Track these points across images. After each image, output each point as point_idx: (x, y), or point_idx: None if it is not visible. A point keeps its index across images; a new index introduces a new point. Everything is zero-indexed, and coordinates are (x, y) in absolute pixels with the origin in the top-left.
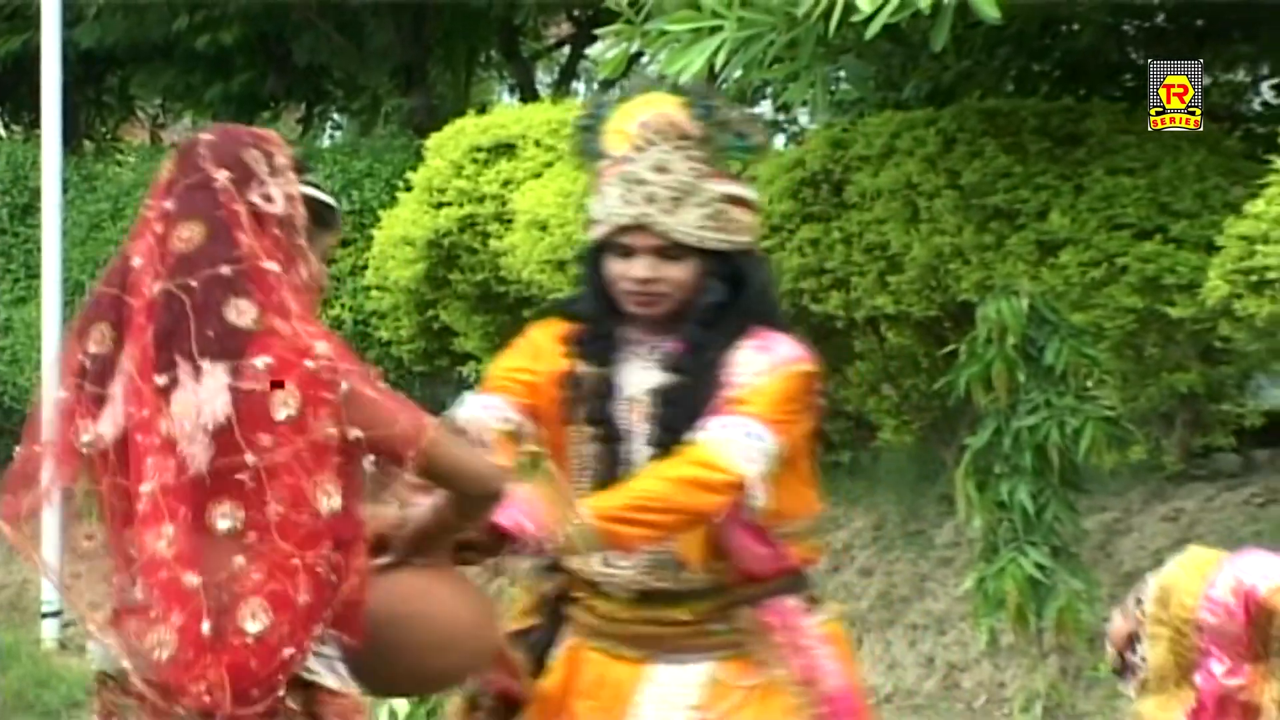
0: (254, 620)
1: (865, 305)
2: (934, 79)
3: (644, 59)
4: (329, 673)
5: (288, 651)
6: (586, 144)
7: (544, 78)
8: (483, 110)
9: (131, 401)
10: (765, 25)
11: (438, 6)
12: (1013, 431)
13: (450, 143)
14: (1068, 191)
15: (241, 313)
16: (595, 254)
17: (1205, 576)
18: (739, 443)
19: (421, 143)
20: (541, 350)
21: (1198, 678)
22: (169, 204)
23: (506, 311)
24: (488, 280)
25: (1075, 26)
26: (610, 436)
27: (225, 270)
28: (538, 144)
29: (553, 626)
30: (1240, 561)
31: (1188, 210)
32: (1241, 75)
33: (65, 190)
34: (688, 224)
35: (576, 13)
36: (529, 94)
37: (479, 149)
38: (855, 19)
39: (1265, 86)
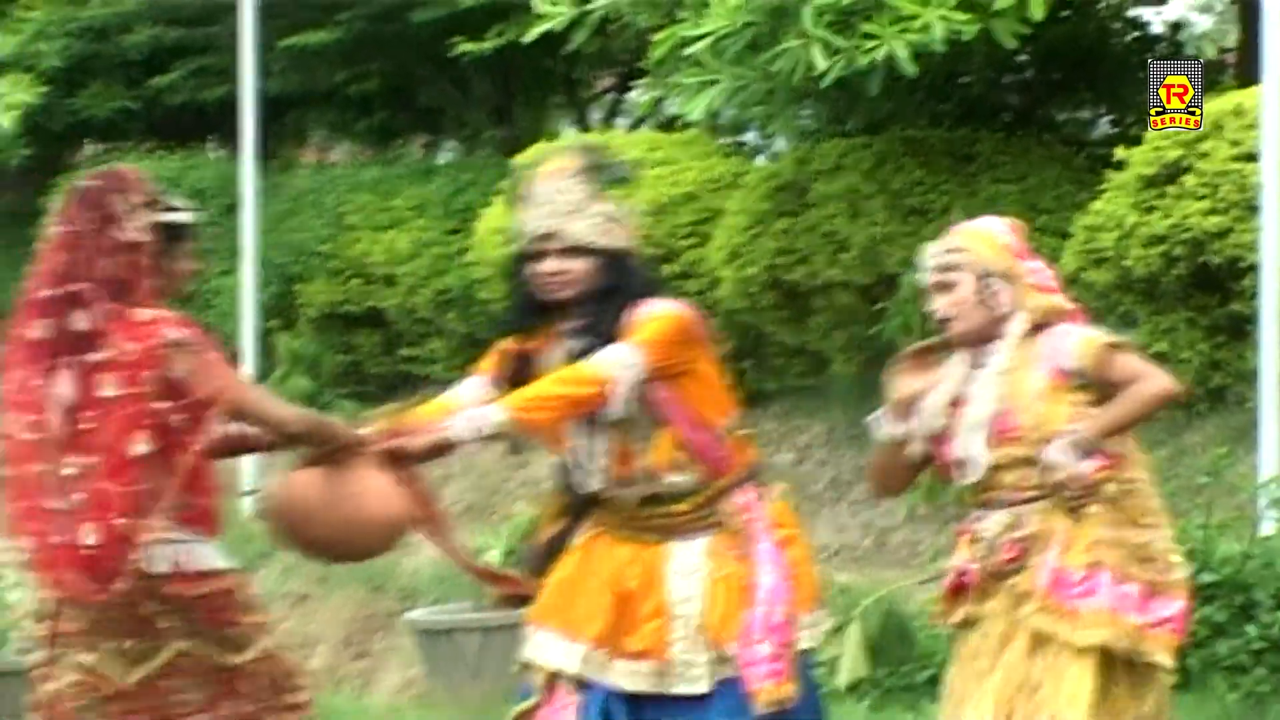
0: (89, 534)
1: (821, 275)
2: (870, 115)
3: (665, 102)
4: (188, 559)
5: (123, 549)
6: (518, 193)
7: (595, 115)
8: (552, 138)
9: (25, 371)
10: (750, 78)
11: (519, 64)
12: None
13: (529, 162)
14: (964, 195)
15: (80, 320)
16: (518, 263)
17: (990, 241)
18: (605, 358)
19: (509, 161)
20: (502, 346)
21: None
22: (54, 234)
23: None
24: None
25: (969, 79)
26: None
27: (73, 288)
28: None
29: (572, 526)
30: (980, 224)
31: (1049, 208)
32: (1086, 113)
33: (258, 195)
34: (582, 230)
35: (619, 69)
36: (585, 127)
37: None
38: (814, 74)
39: (1103, 121)
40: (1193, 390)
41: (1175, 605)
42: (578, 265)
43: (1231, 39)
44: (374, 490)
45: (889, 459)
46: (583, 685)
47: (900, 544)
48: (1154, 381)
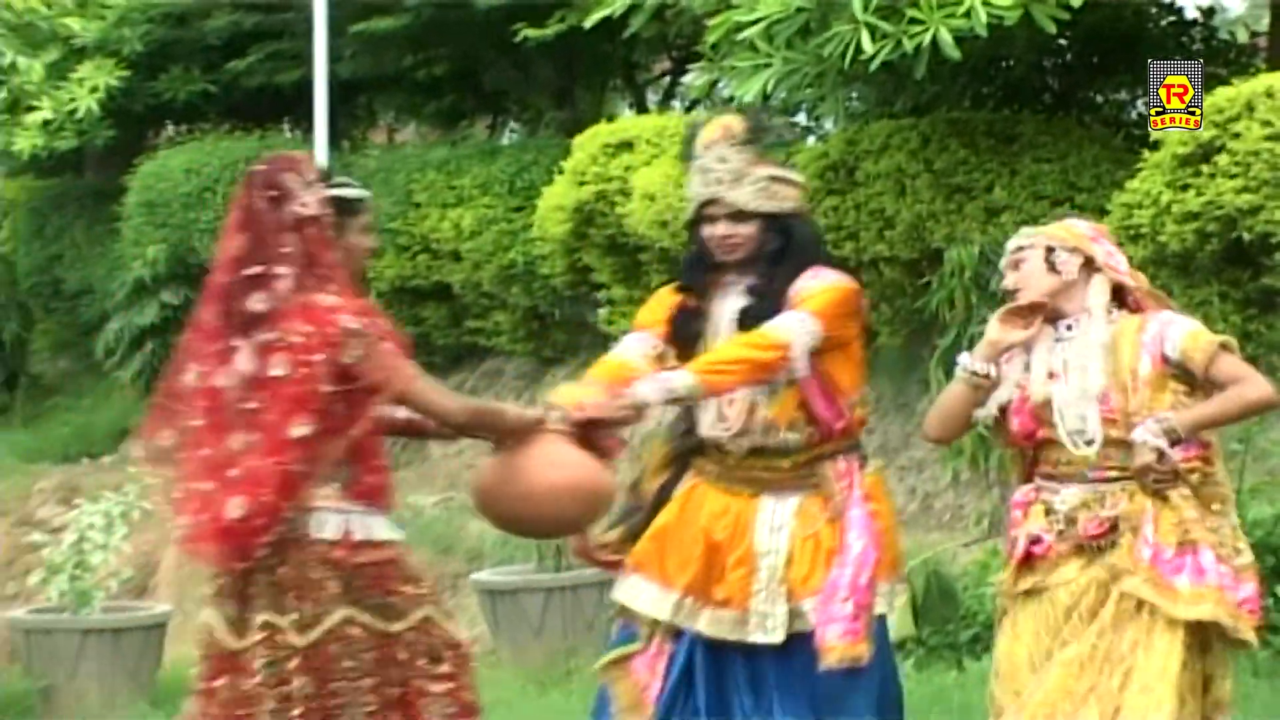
0: (236, 508)
1: (869, 251)
2: (916, 97)
3: (720, 84)
4: (355, 528)
5: (266, 521)
6: (687, 153)
7: (652, 97)
8: (611, 119)
9: (199, 359)
10: (802, 62)
11: (580, 49)
12: (969, 335)
13: (589, 142)
14: (1006, 174)
15: (259, 302)
16: (693, 225)
17: (1064, 226)
18: (785, 325)
19: (569, 142)
20: (665, 298)
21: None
22: (232, 218)
23: (627, 255)
24: (614, 235)
25: (1011, 62)
26: (689, 345)
27: (250, 271)
28: (648, 142)
29: (677, 476)
30: (1067, 223)
31: (1087, 186)
32: (1123, 95)
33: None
34: (745, 196)
35: (675, 53)
36: (642, 108)
37: (608, 145)
38: (862, 58)
39: (1139, 103)
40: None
41: (1250, 587)
42: (745, 229)
43: (1264, 24)
44: (550, 461)
45: (958, 400)
46: (676, 634)
47: (944, 508)
48: (1255, 387)
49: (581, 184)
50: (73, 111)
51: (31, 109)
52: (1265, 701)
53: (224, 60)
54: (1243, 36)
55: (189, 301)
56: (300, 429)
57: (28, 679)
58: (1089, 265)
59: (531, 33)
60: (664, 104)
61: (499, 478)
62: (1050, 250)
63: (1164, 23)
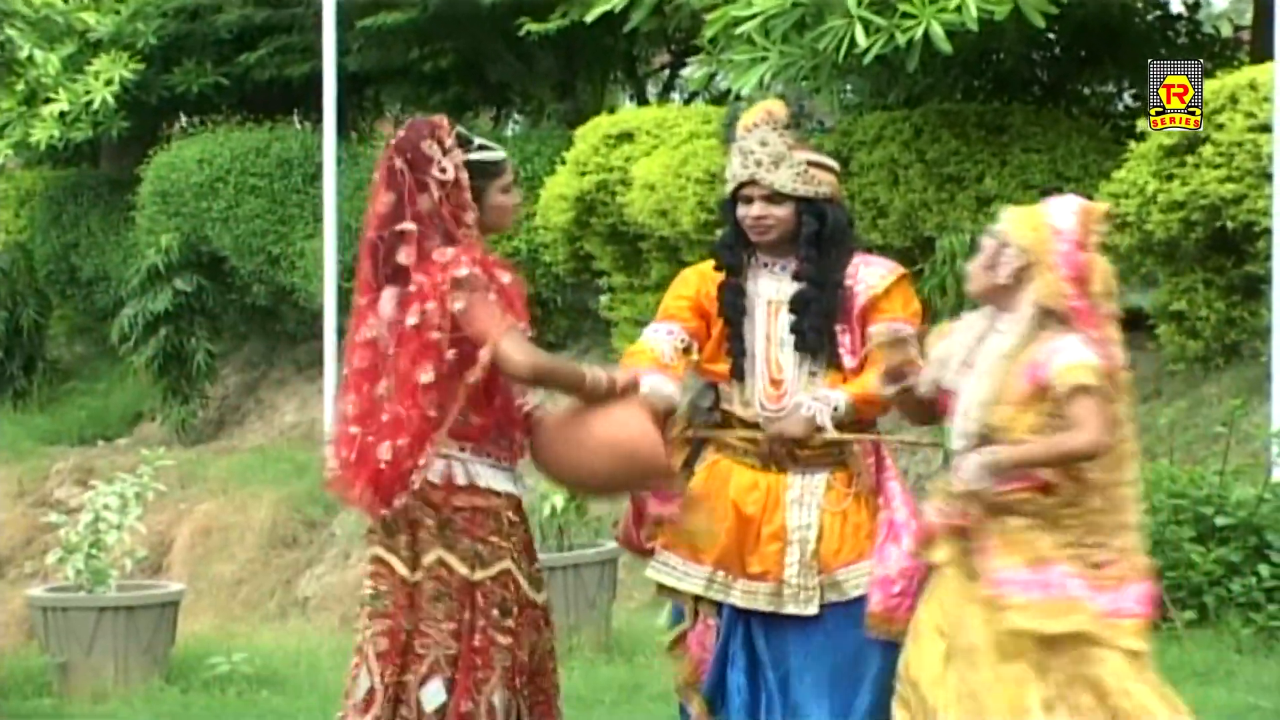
0: (386, 451)
1: (862, 240)
2: (909, 89)
3: (718, 77)
4: (458, 472)
5: (408, 467)
6: (728, 135)
7: (652, 90)
8: (612, 111)
9: (357, 314)
10: (797, 55)
11: (581, 42)
12: None
13: (590, 133)
14: (996, 164)
15: (406, 256)
16: (730, 203)
17: (1033, 217)
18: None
19: (571, 133)
20: (700, 276)
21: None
22: (378, 178)
23: (628, 244)
24: (615, 223)
25: (1001, 55)
26: (737, 323)
27: (399, 227)
28: (648, 134)
29: (695, 452)
30: (1049, 202)
31: (1075, 176)
32: (1110, 87)
33: (338, 164)
34: (783, 179)
35: (674, 46)
36: (642, 100)
37: (609, 136)
38: (856, 51)
39: (1126, 95)
40: (1209, 346)
41: (1109, 598)
42: (779, 211)
43: (1247, 18)
44: (621, 420)
45: (898, 405)
46: (719, 608)
47: (935, 489)
48: (1079, 438)
49: (583, 174)
50: (88, 103)
51: (48, 101)
52: (1248, 678)
53: (235, 53)
54: (1226, 31)
55: (201, 288)
56: (426, 375)
57: (44, 655)
58: (1028, 270)
59: (534, 26)
60: (663, 96)
61: (565, 420)
62: (1002, 247)
63: (1150, 17)
